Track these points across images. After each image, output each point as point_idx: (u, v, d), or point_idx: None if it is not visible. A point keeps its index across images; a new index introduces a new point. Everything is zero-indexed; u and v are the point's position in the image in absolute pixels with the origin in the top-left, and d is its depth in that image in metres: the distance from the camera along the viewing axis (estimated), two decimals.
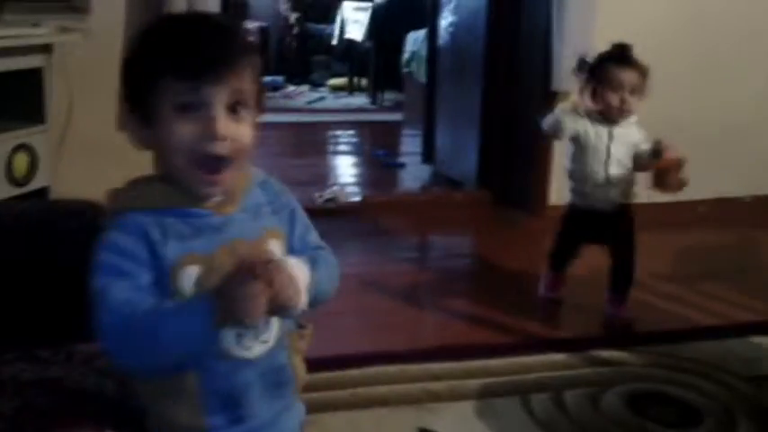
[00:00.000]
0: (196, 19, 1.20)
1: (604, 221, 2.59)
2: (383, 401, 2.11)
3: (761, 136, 3.79)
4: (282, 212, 1.21)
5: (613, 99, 2.49)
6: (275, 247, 1.17)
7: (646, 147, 2.49)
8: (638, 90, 2.49)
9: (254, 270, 1.02)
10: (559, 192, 3.56)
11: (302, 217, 1.24)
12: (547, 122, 2.63)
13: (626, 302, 2.65)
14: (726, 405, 2.14)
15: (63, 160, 2.91)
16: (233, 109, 1.09)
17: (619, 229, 2.61)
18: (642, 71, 2.49)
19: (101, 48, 2.89)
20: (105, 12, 2.89)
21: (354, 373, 2.23)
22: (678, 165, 2.40)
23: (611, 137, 2.53)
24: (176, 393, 1.12)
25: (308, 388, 2.11)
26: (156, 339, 1.04)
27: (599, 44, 3.00)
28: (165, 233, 1.09)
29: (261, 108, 1.15)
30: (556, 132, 2.60)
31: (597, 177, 2.55)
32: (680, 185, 2.43)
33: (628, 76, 2.48)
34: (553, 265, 2.78)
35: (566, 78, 3.26)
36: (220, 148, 1.08)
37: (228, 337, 1.11)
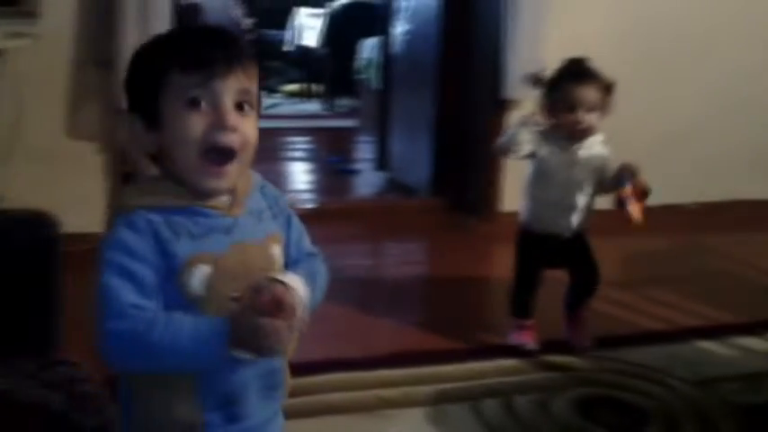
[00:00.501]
0: (202, 26, 1.24)
1: (560, 246, 2.43)
2: (336, 409, 2.12)
3: (703, 143, 3.88)
4: (280, 217, 1.24)
5: (569, 119, 2.30)
6: (276, 252, 1.20)
7: (612, 167, 2.32)
8: (598, 107, 2.30)
9: (278, 307, 1.04)
10: (512, 198, 3.60)
11: (297, 222, 1.28)
12: (501, 139, 2.45)
13: (585, 326, 2.54)
14: (671, 409, 2.19)
15: (12, 168, 2.86)
16: (239, 107, 1.13)
17: (577, 252, 2.46)
18: (603, 86, 2.31)
19: (51, 53, 2.87)
20: (56, 16, 2.85)
21: (307, 380, 2.23)
22: (640, 196, 2.25)
23: (572, 160, 2.35)
24: (174, 389, 1.13)
25: None
26: (166, 356, 1.05)
27: (550, 53, 3.04)
28: (176, 231, 1.11)
29: (260, 114, 1.19)
30: (509, 149, 2.37)
31: (556, 203, 2.38)
32: (640, 216, 2.26)
33: (584, 94, 2.29)
34: (516, 307, 2.52)
35: (515, 87, 3.32)
36: (229, 139, 1.12)
37: None
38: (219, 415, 1.15)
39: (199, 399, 1.13)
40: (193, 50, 1.12)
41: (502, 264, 3.46)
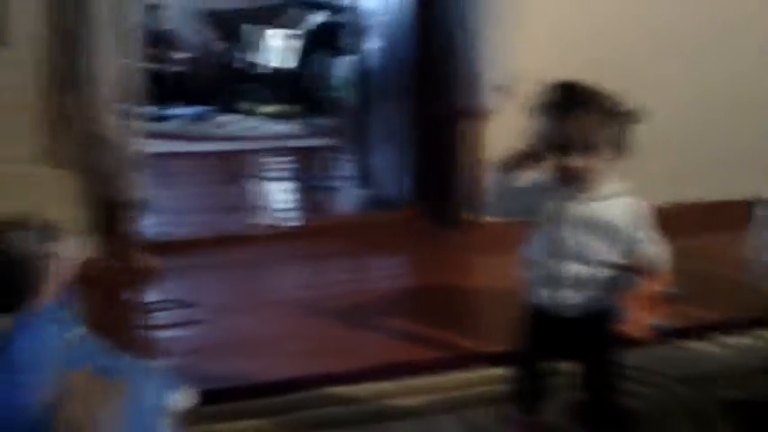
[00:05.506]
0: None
1: (569, 331, 1.87)
2: (326, 424, 2.11)
3: (677, 146, 3.87)
4: None
5: (552, 162, 1.77)
6: None
7: (640, 236, 1.80)
8: (595, 145, 1.73)
9: None
10: None
11: None
12: (490, 193, 1.89)
13: None
14: (664, 408, 2.20)
15: None
16: None
17: (585, 342, 1.91)
18: (604, 117, 1.74)
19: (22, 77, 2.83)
20: (24, 45, 2.81)
21: (297, 396, 2.23)
22: (651, 304, 1.76)
23: (565, 214, 1.79)
24: None
25: (250, 414, 2.10)
26: None
27: (522, 60, 3.05)
28: None
29: None
30: (496, 211, 1.92)
31: (545, 270, 1.84)
32: (643, 332, 1.77)
33: (566, 130, 1.73)
34: (513, 394, 2.04)
35: (488, 96, 3.43)
36: None
37: None
38: None
39: None
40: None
41: (485, 273, 3.49)
